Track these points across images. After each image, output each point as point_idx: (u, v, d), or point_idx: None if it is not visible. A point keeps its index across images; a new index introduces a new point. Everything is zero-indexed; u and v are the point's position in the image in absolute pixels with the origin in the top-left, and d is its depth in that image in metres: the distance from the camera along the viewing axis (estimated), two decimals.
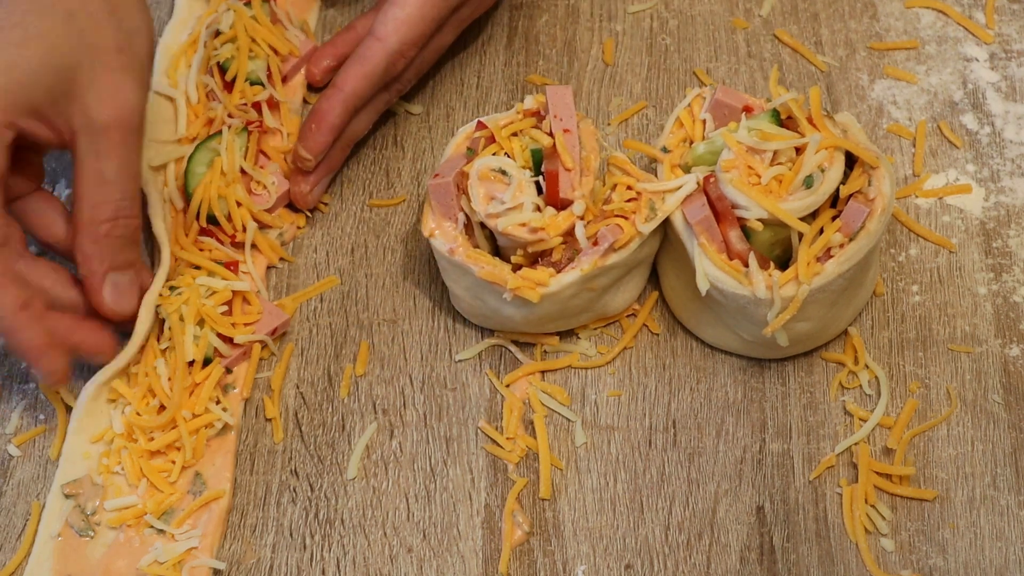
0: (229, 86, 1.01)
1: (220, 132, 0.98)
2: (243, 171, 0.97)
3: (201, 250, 0.96)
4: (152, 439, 0.89)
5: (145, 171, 0.99)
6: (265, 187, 0.98)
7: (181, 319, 0.91)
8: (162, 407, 0.89)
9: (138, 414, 0.90)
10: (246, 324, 0.93)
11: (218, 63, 1.02)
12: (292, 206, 1.00)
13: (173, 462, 0.89)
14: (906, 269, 0.96)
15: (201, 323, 0.92)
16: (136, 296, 0.89)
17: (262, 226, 0.97)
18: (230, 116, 0.99)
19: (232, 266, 0.95)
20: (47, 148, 0.89)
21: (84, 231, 0.86)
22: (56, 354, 0.86)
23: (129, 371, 0.91)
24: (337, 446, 0.91)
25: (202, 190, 0.95)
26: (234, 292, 0.93)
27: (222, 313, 0.92)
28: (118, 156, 0.85)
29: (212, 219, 0.96)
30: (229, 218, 0.96)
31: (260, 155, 1.00)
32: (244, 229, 0.96)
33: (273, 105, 1.01)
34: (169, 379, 0.90)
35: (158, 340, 0.92)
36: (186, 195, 0.97)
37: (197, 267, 0.95)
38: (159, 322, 0.92)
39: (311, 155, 0.95)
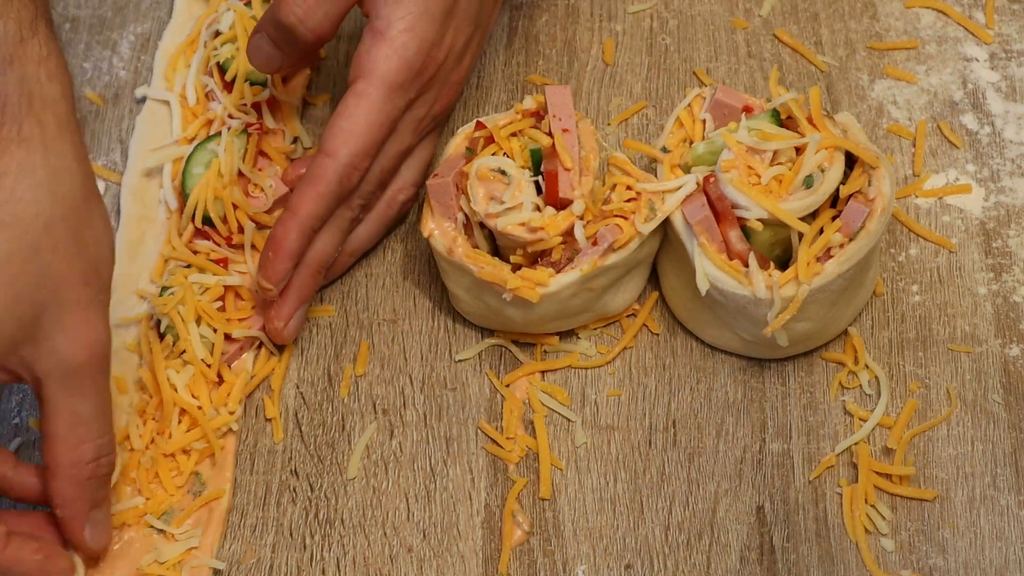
0: (229, 86, 1.01)
1: (219, 133, 0.98)
2: (240, 173, 0.97)
3: (195, 252, 0.96)
4: (158, 441, 0.89)
5: (137, 179, 0.99)
6: (263, 190, 0.98)
7: (182, 320, 0.91)
8: (182, 411, 0.90)
9: (154, 419, 0.90)
10: (240, 320, 0.93)
11: (218, 63, 1.02)
12: None
13: (177, 466, 0.89)
14: (906, 269, 0.96)
15: (198, 321, 0.92)
16: (109, 527, 0.86)
17: (259, 227, 0.97)
18: (230, 117, 0.99)
19: (222, 263, 0.95)
20: None
21: (64, 475, 0.81)
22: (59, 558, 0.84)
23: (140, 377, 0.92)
24: (337, 446, 0.91)
25: (199, 191, 0.95)
26: (226, 288, 0.93)
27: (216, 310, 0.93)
28: (93, 394, 0.81)
29: (208, 221, 0.96)
30: (225, 220, 0.96)
31: (260, 156, 1.00)
32: (240, 231, 0.96)
33: (274, 105, 1.01)
34: (186, 384, 0.90)
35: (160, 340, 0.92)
36: (183, 196, 0.97)
37: (187, 266, 0.95)
38: (154, 328, 0.92)
39: (271, 284, 0.90)
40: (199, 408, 0.90)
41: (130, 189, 0.99)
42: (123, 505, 0.87)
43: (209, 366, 0.91)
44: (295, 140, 1.02)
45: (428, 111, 0.93)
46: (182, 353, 0.91)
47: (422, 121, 0.93)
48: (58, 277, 0.79)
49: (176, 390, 0.90)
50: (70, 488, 0.82)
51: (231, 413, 0.90)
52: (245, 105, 1.00)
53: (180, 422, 0.90)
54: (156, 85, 1.03)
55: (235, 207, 0.95)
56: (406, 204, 0.97)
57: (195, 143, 0.99)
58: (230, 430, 0.90)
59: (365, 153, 0.90)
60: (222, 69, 1.02)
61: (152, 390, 0.91)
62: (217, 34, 1.03)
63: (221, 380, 0.92)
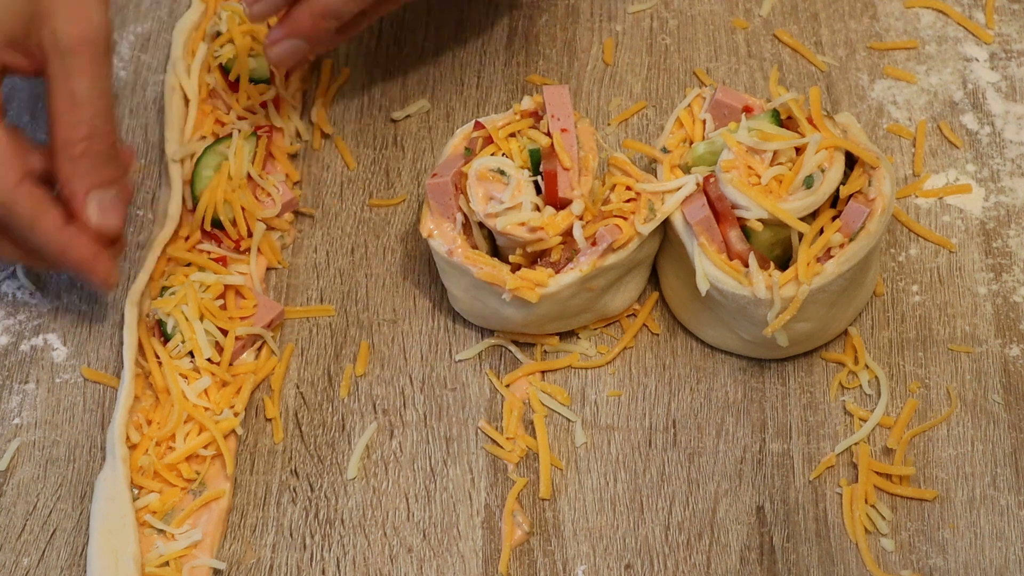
0: (233, 86, 1.01)
1: (229, 136, 0.98)
2: (249, 176, 0.97)
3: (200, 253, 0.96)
4: (171, 448, 0.89)
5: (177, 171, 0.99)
6: (270, 195, 0.98)
7: (187, 319, 0.91)
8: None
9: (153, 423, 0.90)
10: (242, 318, 0.93)
11: (220, 64, 1.02)
12: (297, 212, 1.00)
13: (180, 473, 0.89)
14: (906, 269, 0.96)
15: (200, 319, 0.92)
16: (121, 212, 0.88)
17: (269, 229, 0.97)
18: (239, 119, 1.00)
19: (221, 261, 0.95)
20: (15, 75, 0.88)
21: (61, 153, 0.85)
22: (105, 257, 0.87)
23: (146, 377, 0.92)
24: (337, 446, 0.91)
25: (208, 195, 0.95)
26: (226, 286, 0.93)
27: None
28: (89, 75, 0.84)
29: (216, 223, 0.96)
30: (234, 223, 0.96)
31: (268, 158, 1.00)
32: (249, 235, 0.96)
33: (277, 103, 1.01)
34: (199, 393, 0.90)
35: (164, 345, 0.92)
36: (192, 197, 0.97)
37: (187, 265, 0.95)
38: (155, 328, 0.92)
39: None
40: (206, 410, 0.90)
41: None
42: (139, 503, 0.88)
43: (217, 364, 0.91)
44: (298, 138, 1.02)
45: None
46: (189, 354, 0.91)
47: None
48: None
49: (186, 396, 0.90)
50: (67, 165, 0.85)
51: (236, 415, 0.90)
52: (253, 106, 1.00)
53: (185, 422, 0.90)
54: (169, 78, 1.03)
55: (243, 210, 0.96)
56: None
57: (204, 144, 0.99)
58: (233, 431, 0.90)
59: None
60: (224, 70, 1.02)
61: (160, 392, 0.91)
62: (218, 34, 1.03)
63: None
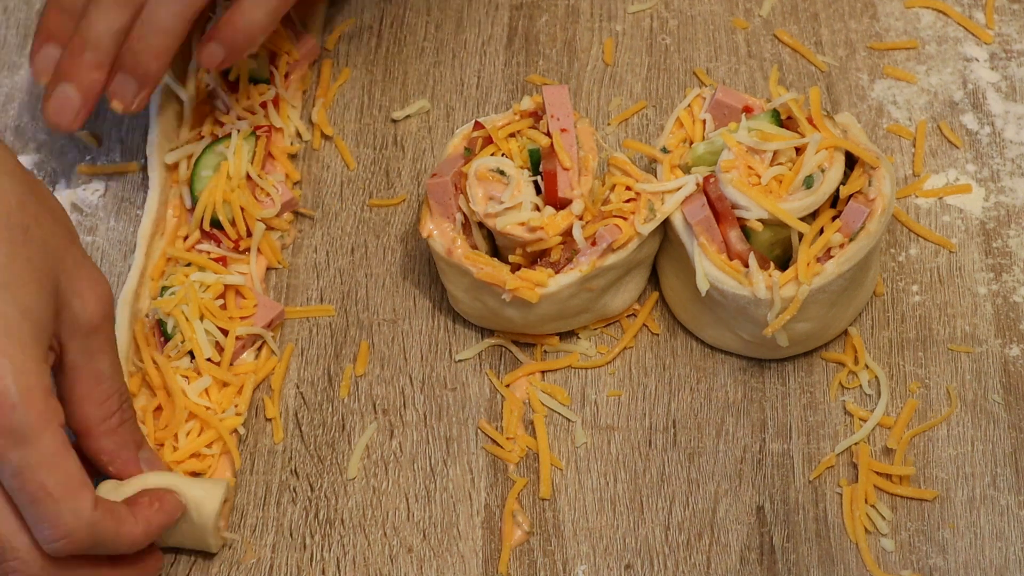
0: (232, 86, 1.01)
1: (228, 136, 0.98)
2: (248, 176, 0.97)
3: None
4: (175, 448, 0.89)
5: (159, 168, 0.99)
6: (270, 195, 0.98)
7: (187, 318, 0.91)
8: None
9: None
10: (242, 318, 0.93)
11: None
12: (297, 212, 1.00)
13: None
14: (906, 269, 0.96)
15: (200, 319, 0.92)
16: (162, 462, 0.87)
17: (269, 229, 0.97)
18: (239, 119, 1.00)
19: (221, 261, 0.95)
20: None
21: (99, 430, 0.83)
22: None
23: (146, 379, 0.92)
24: (337, 446, 0.91)
25: (207, 195, 0.95)
26: (226, 286, 0.93)
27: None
28: (109, 349, 0.83)
29: (216, 223, 0.96)
30: (233, 223, 0.96)
31: (267, 158, 1.00)
32: (248, 235, 0.96)
33: (276, 103, 1.01)
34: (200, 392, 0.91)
35: (161, 349, 0.92)
36: (192, 197, 0.97)
37: (187, 265, 0.95)
38: (155, 328, 0.92)
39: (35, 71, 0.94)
40: (207, 409, 0.90)
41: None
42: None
43: (218, 363, 0.91)
44: (298, 138, 1.03)
45: None
46: (189, 354, 0.91)
47: None
48: (52, 246, 0.81)
49: (187, 395, 0.90)
50: (109, 442, 0.84)
51: (239, 414, 0.90)
52: (251, 105, 1.00)
53: (187, 420, 0.90)
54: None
55: (243, 210, 0.96)
56: None
57: (203, 143, 0.98)
58: (235, 431, 0.90)
59: None
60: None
61: (160, 394, 0.90)
62: None
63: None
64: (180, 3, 0.92)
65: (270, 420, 0.92)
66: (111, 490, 0.84)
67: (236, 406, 0.90)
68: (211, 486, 0.85)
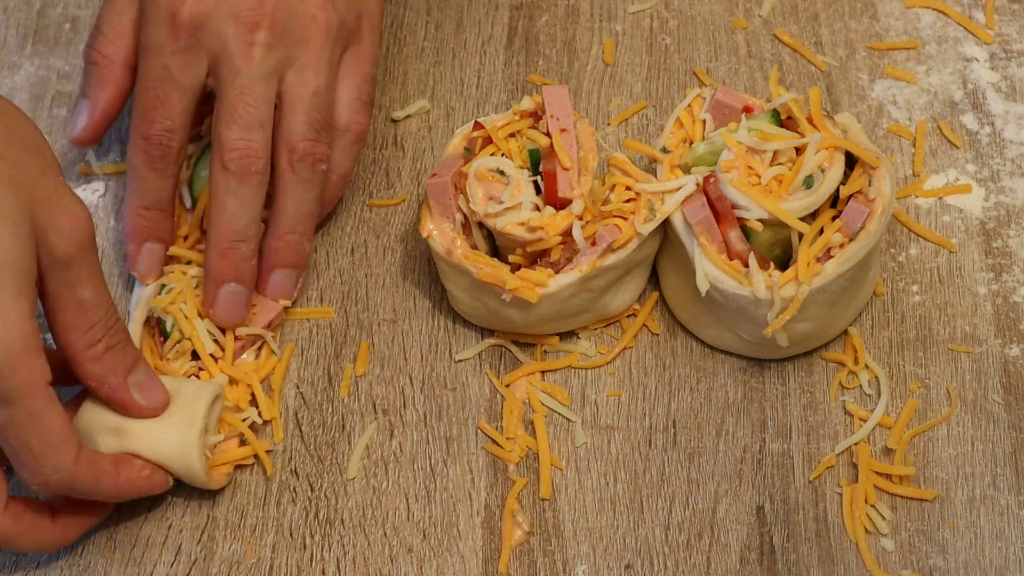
0: None
1: None
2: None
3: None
4: None
5: None
6: (269, 194, 0.97)
7: (186, 316, 0.91)
8: None
9: None
10: None
11: None
12: None
13: None
14: (906, 269, 0.96)
15: (200, 317, 0.92)
16: (160, 384, 0.87)
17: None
18: None
19: None
20: None
21: (84, 357, 0.83)
22: (157, 471, 0.86)
23: None
24: (337, 446, 0.91)
25: (207, 195, 0.95)
26: None
27: None
28: (90, 278, 0.83)
29: None
30: None
31: None
32: None
33: None
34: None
35: (160, 351, 0.92)
36: (191, 196, 0.97)
37: (188, 263, 0.95)
38: (155, 326, 0.92)
39: (134, 269, 0.95)
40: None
41: None
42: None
43: (218, 360, 0.91)
44: None
45: (244, 40, 0.90)
46: (192, 354, 0.91)
47: (246, 53, 0.90)
48: (22, 180, 0.80)
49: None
50: (96, 368, 0.84)
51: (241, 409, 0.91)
52: None
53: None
54: None
55: None
56: (358, 137, 0.96)
57: (203, 144, 0.98)
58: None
59: (145, 121, 0.91)
60: None
61: None
62: None
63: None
64: (318, 186, 0.93)
65: (270, 420, 0.92)
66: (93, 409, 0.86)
67: (237, 404, 0.91)
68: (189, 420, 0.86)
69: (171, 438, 0.86)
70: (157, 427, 0.86)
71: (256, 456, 0.90)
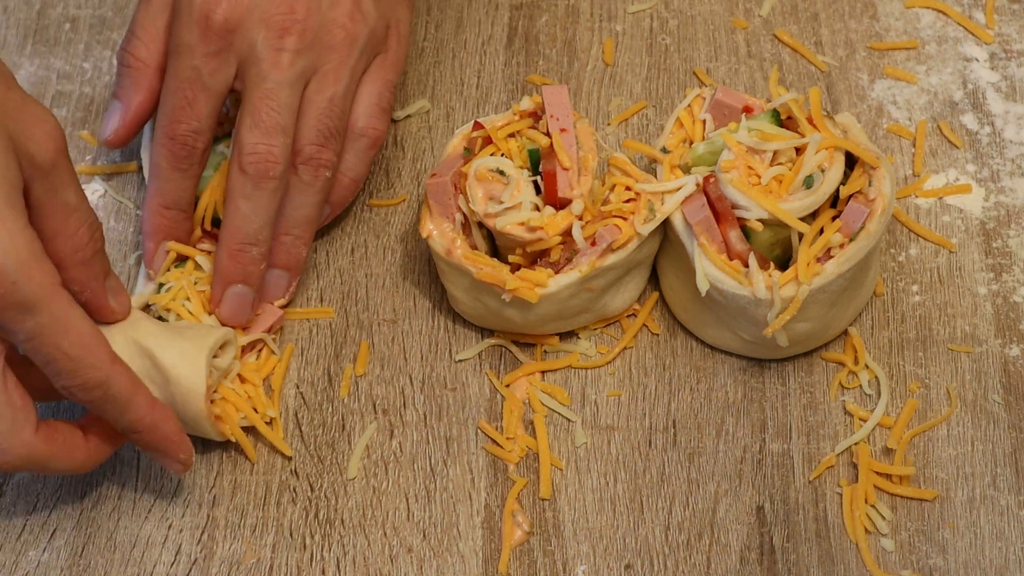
0: None
1: (229, 135, 0.98)
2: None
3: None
4: None
5: None
6: None
7: (191, 313, 0.91)
8: None
9: None
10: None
11: None
12: None
13: None
14: (906, 269, 0.96)
15: (208, 314, 0.92)
16: (124, 290, 0.88)
17: None
18: None
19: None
20: None
21: (71, 262, 0.84)
22: (186, 436, 0.87)
23: None
24: (337, 446, 0.91)
25: (209, 194, 0.95)
26: None
27: None
28: (71, 181, 0.84)
29: (217, 222, 0.96)
30: None
31: None
32: None
33: None
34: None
35: None
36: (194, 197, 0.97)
37: (184, 260, 0.95)
38: None
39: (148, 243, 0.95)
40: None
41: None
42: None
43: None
44: None
45: (273, 45, 0.91)
46: None
47: (275, 57, 0.91)
48: None
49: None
50: (81, 272, 0.85)
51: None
52: None
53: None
54: None
55: None
56: (374, 143, 0.96)
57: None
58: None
59: (173, 120, 0.91)
60: None
61: None
62: None
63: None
64: (319, 192, 0.93)
65: (270, 420, 0.92)
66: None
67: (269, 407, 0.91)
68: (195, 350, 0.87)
69: (186, 347, 0.87)
70: (175, 335, 0.87)
71: (247, 441, 0.90)
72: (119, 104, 0.96)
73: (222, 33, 0.90)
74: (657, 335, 0.94)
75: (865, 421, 0.90)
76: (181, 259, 0.95)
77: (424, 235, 0.90)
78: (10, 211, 0.78)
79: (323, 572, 0.87)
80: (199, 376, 0.86)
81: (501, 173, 0.89)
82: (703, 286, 0.87)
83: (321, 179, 0.92)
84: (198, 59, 0.91)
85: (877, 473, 0.88)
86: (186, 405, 0.86)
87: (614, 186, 0.90)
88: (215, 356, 0.88)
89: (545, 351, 0.94)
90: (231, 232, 0.91)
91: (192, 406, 0.86)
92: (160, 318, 0.92)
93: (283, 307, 0.95)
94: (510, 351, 0.94)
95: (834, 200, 0.89)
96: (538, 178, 0.90)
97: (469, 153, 0.92)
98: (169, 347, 0.86)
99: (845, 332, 0.93)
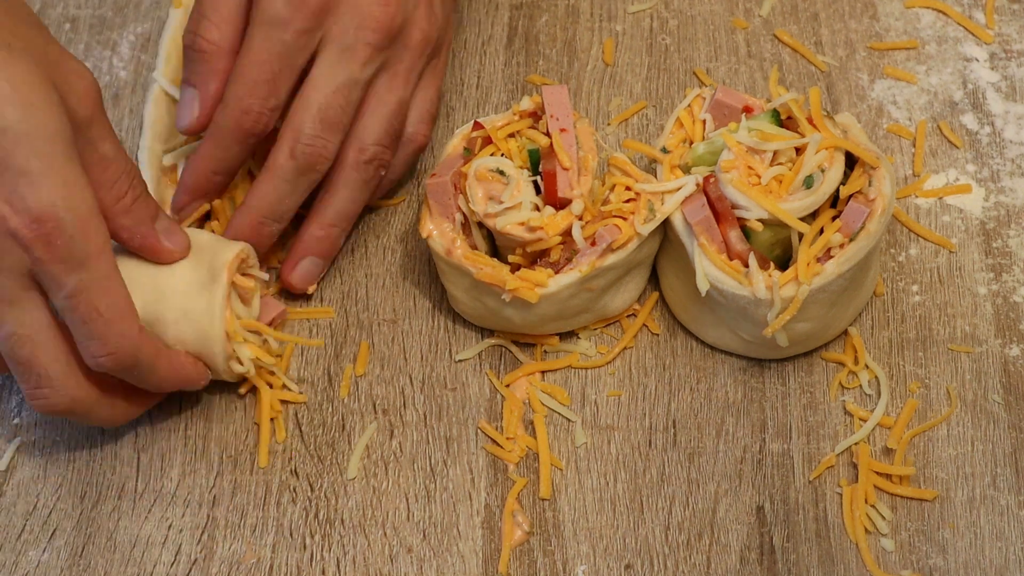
0: None
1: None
2: (250, 172, 0.97)
3: None
4: None
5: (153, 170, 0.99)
6: None
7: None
8: None
9: None
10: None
11: None
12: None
13: None
14: (906, 269, 0.96)
15: None
16: (181, 229, 0.90)
17: None
18: None
19: None
20: None
21: (114, 212, 0.86)
22: (200, 365, 0.89)
23: None
24: (337, 446, 0.91)
25: None
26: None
27: None
28: (109, 134, 0.85)
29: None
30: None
31: None
32: None
33: None
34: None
35: None
36: None
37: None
38: None
39: (174, 212, 0.95)
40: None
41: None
42: None
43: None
44: None
45: (356, 38, 0.91)
46: None
47: (354, 49, 0.91)
48: (35, 53, 0.81)
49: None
50: (127, 219, 0.86)
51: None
52: None
53: None
54: (162, 71, 1.02)
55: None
56: (420, 148, 0.97)
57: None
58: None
59: (251, 94, 0.90)
60: None
61: None
62: None
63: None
64: (371, 190, 0.94)
65: (270, 420, 0.92)
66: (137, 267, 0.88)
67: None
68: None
69: (200, 276, 0.88)
70: (189, 266, 0.88)
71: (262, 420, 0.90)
72: (194, 91, 0.94)
73: (317, 12, 0.90)
74: (657, 335, 0.94)
75: (865, 421, 0.90)
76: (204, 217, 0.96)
77: (424, 235, 0.90)
78: (70, 166, 0.80)
79: (323, 572, 0.87)
80: (219, 303, 0.88)
81: (501, 173, 0.89)
82: (703, 286, 0.87)
83: (377, 178, 0.93)
84: (289, 34, 0.89)
85: (877, 473, 0.88)
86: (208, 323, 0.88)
87: (614, 186, 0.90)
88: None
89: (545, 351, 0.94)
90: (259, 203, 0.92)
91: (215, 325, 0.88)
92: None
93: (307, 290, 0.96)
94: (510, 351, 0.94)
95: (834, 200, 0.89)
96: (538, 178, 0.90)
97: (469, 153, 0.92)
98: (187, 285, 0.88)
99: (845, 332, 0.93)
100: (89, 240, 0.80)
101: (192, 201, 0.95)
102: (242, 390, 0.92)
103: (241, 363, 0.89)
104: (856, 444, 0.89)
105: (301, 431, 0.92)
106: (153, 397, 0.90)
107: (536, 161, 0.90)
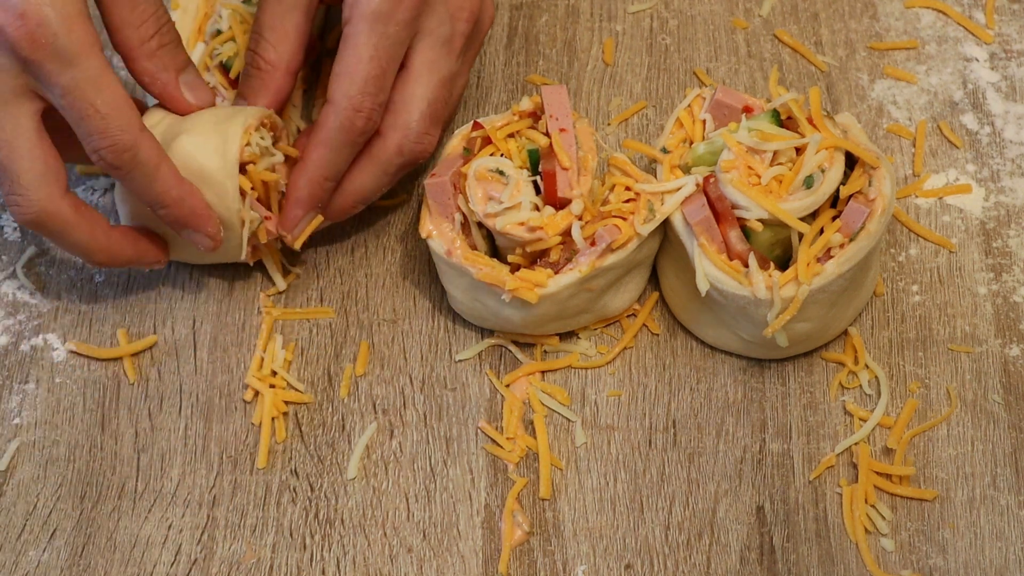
0: (235, 84, 1.01)
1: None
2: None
3: None
4: None
5: None
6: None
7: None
8: None
9: None
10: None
11: (220, 63, 1.02)
12: None
13: None
14: (906, 269, 0.96)
15: None
16: (208, 88, 0.91)
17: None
18: None
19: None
20: None
21: (138, 54, 0.87)
22: (213, 211, 0.89)
23: None
24: (337, 446, 0.91)
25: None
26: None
27: None
28: None
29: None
30: None
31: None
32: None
33: None
34: None
35: None
36: None
37: None
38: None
39: (286, 231, 0.93)
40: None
41: None
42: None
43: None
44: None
45: (452, 29, 0.91)
46: None
47: (452, 41, 0.92)
48: None
49: None
50: (149, 64, 0.89)
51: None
52: None
53: None
54: None
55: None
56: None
57: None
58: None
59: (363, 92, 0.89)
60: (225, 67, 1.02)
61: None
62: (218, 33, 1.03)
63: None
64: (385, 176, 0.93)
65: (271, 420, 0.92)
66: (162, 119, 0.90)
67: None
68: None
69: (221, 115, 0.90)
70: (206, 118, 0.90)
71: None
72: (244, 104, 0.95)
73: (417, 2, 0.89)
74: (657, 335, 0.94)
75: (865, 421, 0.90)
76: None
77: (424, 235, 0.90)
78: None
79: (323, 572, 0.87)
80: (233, 152, 0.89)
81: (501, 173, 0.89)
82: (703, 286, 0.87)
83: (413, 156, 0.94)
84: (392, 27, 0.89)
85: (877, 473, 0.88)
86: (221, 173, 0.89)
87: (614, 186, 0.90)
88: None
89: (545, 351, 0.94)
90: (320, 166, 0.91)
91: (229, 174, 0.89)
92: (224, 63, 0.98)
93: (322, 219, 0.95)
94: (510, 351, 0.94)
95: (834, 200, 0.89)
96: (538, 178, 0.90)
97: (468, 153, 0.92)
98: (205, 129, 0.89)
99: (845, 332, 0.93)
100: (76, 37, 0.82)
101: (304, 214, 0.93)
102: (247, 396, 0.92)
103: (252, 186, 0.90)
104: (856, 444, 0.89)
105: (301, 431, 0.92)
106: (144, 242, 0.91)
107: (536, 161, 0.90)
